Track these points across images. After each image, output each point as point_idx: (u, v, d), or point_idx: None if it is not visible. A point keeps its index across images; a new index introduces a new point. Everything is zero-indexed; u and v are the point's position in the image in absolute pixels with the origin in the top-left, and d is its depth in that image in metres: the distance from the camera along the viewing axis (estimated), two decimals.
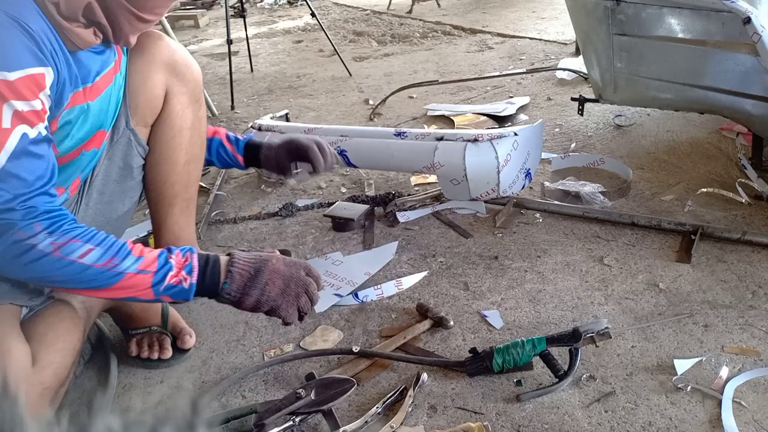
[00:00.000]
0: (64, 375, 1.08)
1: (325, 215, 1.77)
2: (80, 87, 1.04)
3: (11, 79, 0.86)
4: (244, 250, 1.07)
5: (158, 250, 0.99)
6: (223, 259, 1.03)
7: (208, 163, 1.42)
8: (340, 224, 1.72)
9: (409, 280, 1.47)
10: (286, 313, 1.05)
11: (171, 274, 0.97)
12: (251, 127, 1.97)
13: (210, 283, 1.00)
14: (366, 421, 1.06)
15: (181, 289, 0.98)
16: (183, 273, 0.98)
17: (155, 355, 1.26)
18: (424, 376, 1.14)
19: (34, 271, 0.91)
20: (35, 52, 0.90)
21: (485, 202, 1.76)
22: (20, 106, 0.88)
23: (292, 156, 1.37)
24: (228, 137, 1.42)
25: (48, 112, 0.95)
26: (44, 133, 0.93)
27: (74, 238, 0.92)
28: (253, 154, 1.41)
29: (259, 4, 5.91)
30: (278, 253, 1.16)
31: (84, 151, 1.10)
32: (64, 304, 1.13)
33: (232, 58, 3.11)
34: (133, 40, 1.07)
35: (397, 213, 1.75)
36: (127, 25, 1.02)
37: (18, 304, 1.07)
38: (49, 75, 0.93)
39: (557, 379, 1.11)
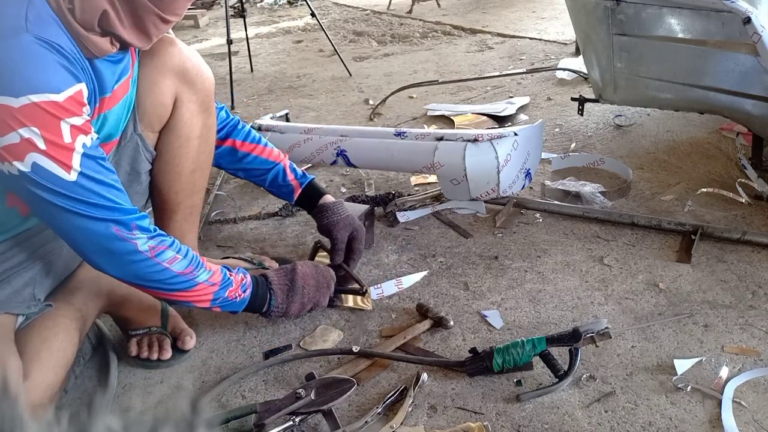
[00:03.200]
0: (54, 391, 1.08)
1: None
2: (98, 99, 1.05)
3: (61, 101, 0.91)
4: (265, 267, 1.29)
5: (219, 266, 1.15)
6: (261, 281, 1.23)
7: (258, 183, 1.45)
8: None
9: (409, 280, 1.47)
10: (325, 302, 1.32)
11: (230, 289, 1.15)
12: (251, 127, 1.96)
13: (261, 301, 1.22)
14: (366, 421, 1.06)
15: (233, 303, 1.17)
16: (239, 290, 1.18)
17: (155, 356, 1.26)
18: (424, 376, 1.14)
19: (129, 270, 1.03)
20: (71, 71, 0.94)
21: (485, 202, 1.76)
22: (74, 121, 0.93)
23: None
24: (291, 167, 1.46)
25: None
26: (95, 138, 0.99)
27: (166, 246, 1.06)
28: (310, 196, 1.44)
29: (259, 4, 5.91)
30: (275, 262, 1.27)
31: None
32: (60, 316, 1.12)
33: (232, 58, 3.11)
34: (148, 45, 1.07)
35: (397, 213, 1.75)
36: (153, 28, 1.03)
37: (14, 314, 1.06)
38: (84, 90, 0.97)
39: (557, 379, 1.11)
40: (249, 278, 1.21)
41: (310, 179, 1.46)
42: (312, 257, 1.54)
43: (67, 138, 0.92)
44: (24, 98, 0.87)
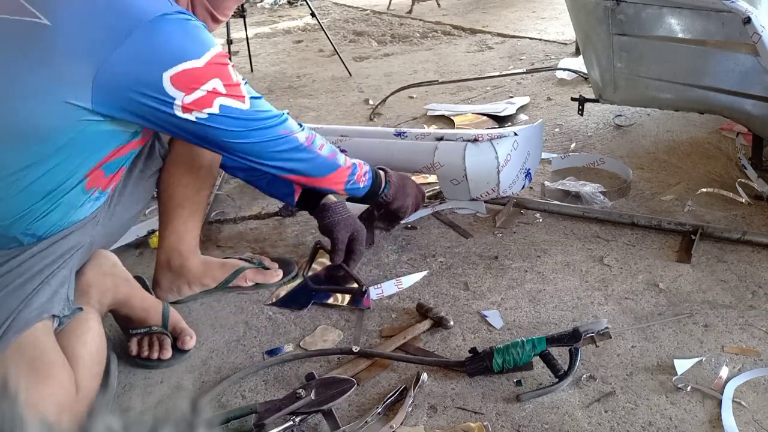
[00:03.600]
0: (93, 398, 1.07)
1: None
2: None
3: (221, 51, 1.08)
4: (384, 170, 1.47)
5: (343, 155, 1.33)
6: (381, 173, 1.45)
7: (255, 183, 1.48)
8: None
9: (409, 280, 1.47)
10: (413, 211, 1.57)
11: (358, 173, 1.36)
12: None
13: (376, 187, 1.42)
14: (366, 421, 1.06)
15: (358, 188, 1.38)
16: (363, 177, 1.38)
17: (155, 355, 1.26)
18: (424, 376, 1.14)
19: (295, 162, 1.22)
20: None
21: (485, 202, 1.76)
22: (231, 62, 1.11)
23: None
24: None
25: None
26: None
27: (314, 135, 1.25)
28: (312, 195, 1.45)
29: (259, 4, 5.91)
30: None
31: (132, 149, 1.15)
32: (91, 318, 1.11)
33: (232, 58, 3.11)
34: None
35: None
36: (210, 21, 1.17)
37: (52, 316, 1.04)
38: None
39: (557, 379, 1.11)
40: (368, 167, 1.39)
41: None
42: (312, 257, 1.54)
43: (235, 78, 1.08)
44: (204, 57, 1.02)
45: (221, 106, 1.07)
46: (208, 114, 1.06)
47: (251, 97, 1.12)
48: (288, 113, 1.21)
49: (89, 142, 1.02)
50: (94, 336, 1.10)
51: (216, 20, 1.20)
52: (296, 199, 1.45)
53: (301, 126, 1.23)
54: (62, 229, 1.09)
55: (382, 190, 1.43)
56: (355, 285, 1.41)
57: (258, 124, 1.14)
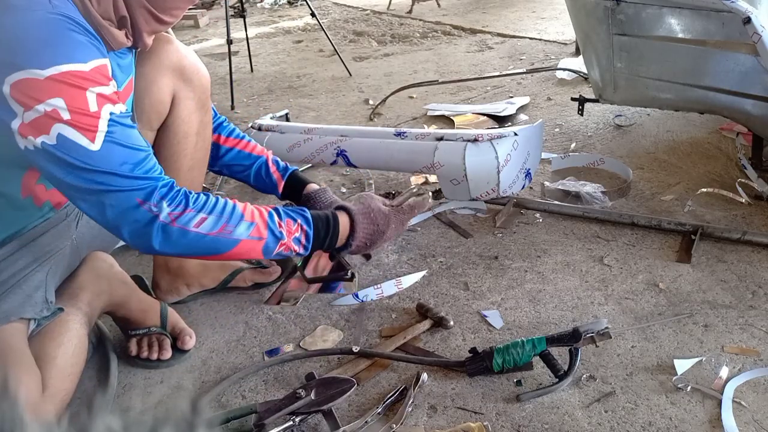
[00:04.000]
0: (69, 399, 1.08)
1: None
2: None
3: (87, 70, 0.90)
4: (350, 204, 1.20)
5: (267, 212, 1.07)
6: (343, 224, 1.15)
7: (243, 179, 1.41)
8: None
9: (409, 280, 1.47)
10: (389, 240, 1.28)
11: (281, 242, 1.06)
12: (251, 127, 1.97)
13: (327, 247, 1.15)
14: (366, 421, 1.06)
15: (288, 255, 1.10)
16: (292, 245, 1.08)
17: (155, 356, 1.26)
18: (424, 376, 1.14)
19: (157, 242, 0.97)
20: (96, 45, 0.94)
21: (485, 202, 1.76)
22: (100, 90, 0.92)
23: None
24: (274, 161, 1.42)
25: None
26: (125, 109, 0.96)
27: (189, 208, 0.98)
28: (294, 187, 1.39)
29: (259, 4, 5.91)
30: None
31: None
32: (71, 320, 1.11)
33: (232, 58, 3.11)
34: (149, 41, 1.06)
35: None
36: (144, 24, 1.02)
37: (27, 318, 1.05)
38: (109, 66, 0.96)
39: (557, 379, 1.11)
40: (305, 231, 1.10)
41: (293, 170, 1.42)
42: None
43: (93, 107, 0.90)
44: (50, 70, 0.86)
45: (59, 136, 0.88)
46: (43, 144, 0.88)
47: (112, 141, 0.92)
48: (167, 181, 0.99)
49: None
50: (71, 337, 1.09)
51: (161, 22, 1.04)
52: (280, 190, 1.41)
53: (173, 198, 0.98)
54: (17, 238, 1.07)
55: (344, 246, 1.18)
56: (350, 273, 1.33)
57: (101, 180, 0.92)
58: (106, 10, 0.97)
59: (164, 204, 0.96)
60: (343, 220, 1.16)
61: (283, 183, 1.40)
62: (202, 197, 1.02)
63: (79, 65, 0.89)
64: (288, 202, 1.44)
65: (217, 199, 1.03)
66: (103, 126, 0.91)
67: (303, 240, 1.10)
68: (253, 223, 1.04)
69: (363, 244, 1.20)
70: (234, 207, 1.04)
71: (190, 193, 1.00)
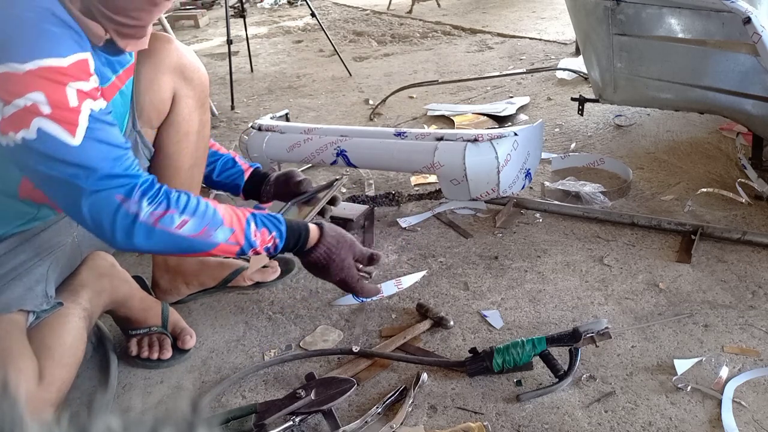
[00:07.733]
0: (67, 389, 1.08)
1: None
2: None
3: (66, 65, 0.89)
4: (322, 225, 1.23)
5: (245, 219, 1.09)
6: (313, 236, 1.20)
7: (206, 171, 1.41)
8: (339, 224, 1.71)
9: (409, 280, 1.47)
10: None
11: (253, 248, 1.10)
12: (251, 127, 1.97)
13: (292, 253, 1.20)
14: (366, 421, 1.06)
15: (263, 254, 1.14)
16: (262, 252, 1.12)
17: (155, 356, 1.26)
18: (424, 376, 1.14)
19: (138, 240, 0.98)
20: (76, 39, 0.93)
21: (485, 202, 1.76)
22: (80, 85, 0.91)
23: (288, 188, 1.40)
24: (239, 157, 1.46)
25: (99, 91, 0.97)
26: (104, 106, 0.96)
27: (171, 209, 0.99)
28: (256, 182, 1.42)
29: (259, 4, 5.91)
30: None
31: None
32: (72, 314, 1.12)
33: (232, 58, 3.11)
34: (122, 44, 1.01)
35: (398, 219, 1.74)
36: (107, 24, 0.97)
37: (27, 310, 1.06)
38: (90, 61, 0.95)
39: (557, 379, 1.11)
40: (276, 243, 1.14)
41: (258, 165, 1.47)
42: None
43: (73, 102, 0.90)
44: (29, 64, 0.85)
45: (39, 130, 0.88)
46: (23, 140, 0.88)
47: (92, 137, 0.91)
48: (147, 179, 0.98)
49: None
50: (69, 329, 1.10)
51: (117, 23, 0.97)
52: (246, 177, 1.44)
53: (155, 198, 0.98)
54: (19, 233, 1.08)
55: (304, 252, 1.20)
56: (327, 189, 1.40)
57: (82, 177, 0.91)
58: (86, 5, 0.95)
59: (144, 202, 0.96)
60: (314, 234, 1.21)
61: (250, 171, 1.44)
62: (183, 197, 1.02)
63: (59, 59, 0.88)
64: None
65: (198, 201, 1.04)
66: (83, 121, 0.91)
67: (272, 250, 1.15)
68: (232, 230, 1.07)
69: (322, 256, 1.21)
70: (215, 211, 1.05)
71: (171, 191, 1.01)
